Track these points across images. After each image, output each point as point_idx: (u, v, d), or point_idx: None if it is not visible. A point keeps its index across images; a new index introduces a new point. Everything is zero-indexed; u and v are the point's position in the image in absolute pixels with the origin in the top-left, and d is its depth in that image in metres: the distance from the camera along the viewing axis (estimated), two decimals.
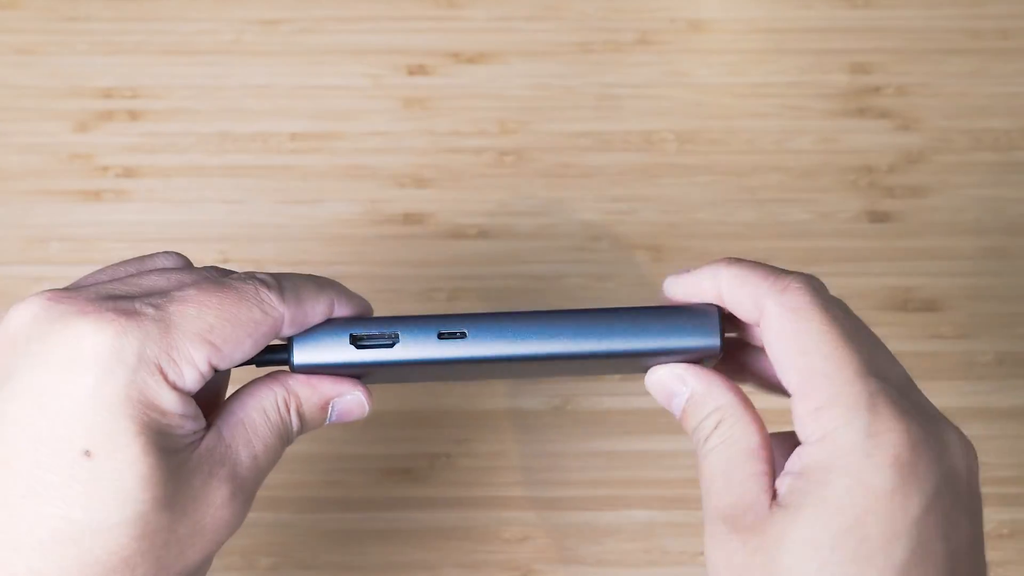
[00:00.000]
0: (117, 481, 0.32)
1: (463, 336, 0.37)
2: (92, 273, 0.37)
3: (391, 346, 0.37)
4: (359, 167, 0.61)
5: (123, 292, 0.35)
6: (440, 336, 0.37)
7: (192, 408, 0.34)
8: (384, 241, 0.59)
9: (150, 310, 0.34)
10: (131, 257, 0.38)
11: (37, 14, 0.64)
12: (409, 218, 0.60)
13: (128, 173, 0.61)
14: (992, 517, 0.55)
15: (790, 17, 0.64)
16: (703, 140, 0.62)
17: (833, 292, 0.60)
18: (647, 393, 0.39)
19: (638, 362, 0.38)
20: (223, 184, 0.60)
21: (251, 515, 0.53)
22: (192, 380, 0.34)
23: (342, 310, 0.38)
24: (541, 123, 0.62)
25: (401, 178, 0.61)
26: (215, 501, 0.35)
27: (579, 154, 0.61)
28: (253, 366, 0.37)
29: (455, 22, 0.64)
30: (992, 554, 0.55)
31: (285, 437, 0.38)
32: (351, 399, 0.38)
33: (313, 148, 0.61)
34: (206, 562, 0.36)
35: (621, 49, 0.64)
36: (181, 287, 0.35)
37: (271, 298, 0.35)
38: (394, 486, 0.55)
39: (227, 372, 0.39)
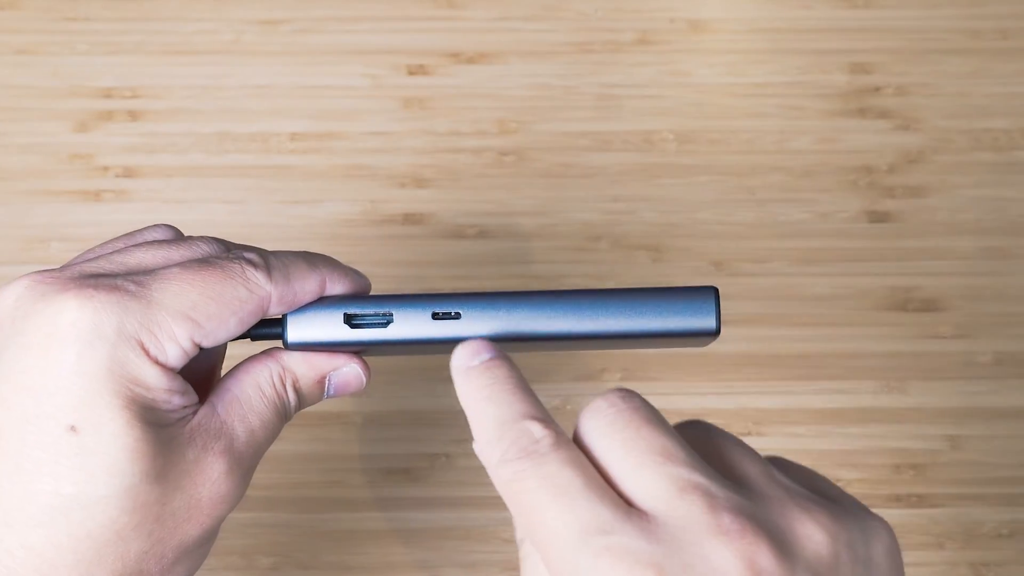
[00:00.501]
0: (104, 454, 0.33)
1: (457, 316, 0.37)
2: (84, 252, 0.37)
3: (385, 325, 0.37)
4: (359, 167, 0.61)
5: (107, 270, 0.35)
6: (434, 316, 0.37)
7: (179, 383, 0.34)
8: (384, 241, 0.59)
9: (131, 286, 0.34)
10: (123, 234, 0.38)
11: (37, 14, 0.64)
12: (409, 218, 0.60)
13: (128, 173, 0.61)
14: (992, 517, 0.55)
15: (790, 17, 0.64)
16: (703, 140, 0.62)
17: (833, 292, 0.60)
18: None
19: (634, 342, 0.38)
20: (223, 184, 0.60)
21: (251, 515, 0.54)
22: (175, 356, 0.34)
23: (336, 287, 0.37)
24: (541, 123, 0.62)
25: (401, 178, 0.61)
26: (211, 475, 0.35)
27: (579, 154, 0.61)
28: (249, 340, 0.37)
29: (455, 22, 0.64)
30: (992, 554, 0.55)
31: (282, 412, 0.38)
32: (347, 371, 0.38)
33: (313, 148, 0.61)
34: (206, 538, 0.36)
35: (621, 49, 0.64)
36: (167, 264, 0.35)
37: (257, 276, 0.35)
38: (394, 486, 0.55)
39: (221, 349, 0.39)
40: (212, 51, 0.63)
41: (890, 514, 0.55)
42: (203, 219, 0.60)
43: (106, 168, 0.61)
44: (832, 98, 0.62)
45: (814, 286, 0.59)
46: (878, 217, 0.60)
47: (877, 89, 0.63)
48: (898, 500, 0.55)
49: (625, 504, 0.30)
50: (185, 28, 0.64)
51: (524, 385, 0.34)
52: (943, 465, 0.56)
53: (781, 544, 0.29)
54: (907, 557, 0.54)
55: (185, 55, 0.63)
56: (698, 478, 0.30)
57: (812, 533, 0.30)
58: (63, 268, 0.35)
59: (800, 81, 0.63)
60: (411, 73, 0.63)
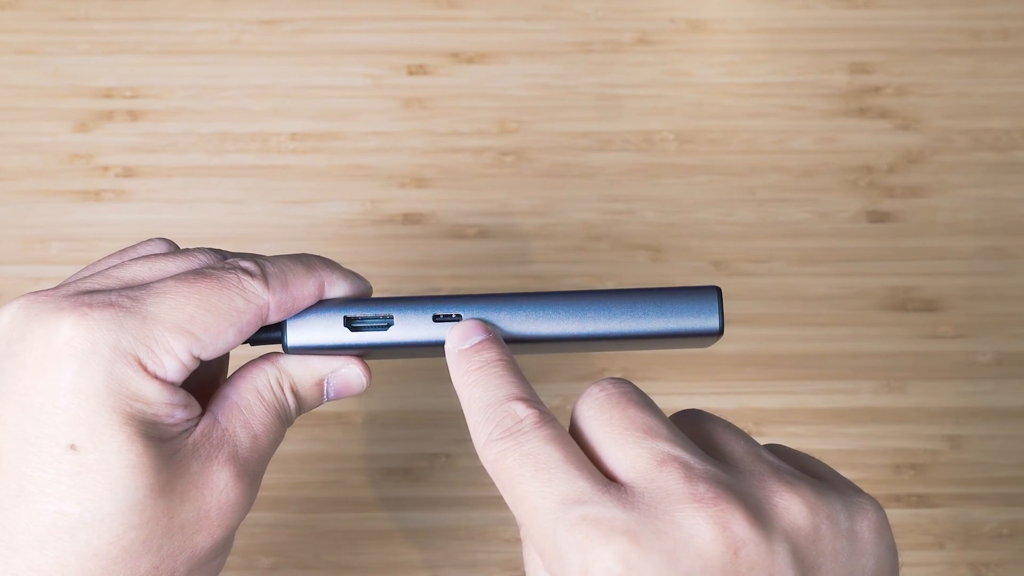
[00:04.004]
0: (106, 472, 0.32)
1: (458, 319, 0.37)
2: (81, 270, 0.37)
3: (385, 328, 0.37)
4: (359, 167, 0.61)
5: (102, 286, 0.35)
6: (435, 318, 0.37)
7: (181, 396, 0.34)
8: (384, 241, 0.59)
9: (127, 302, 0.34)
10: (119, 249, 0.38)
11: (37, 14, 0.64)
12: (409, 218, 0.60)
13: (128, 173, 0.61)
14: (992, 517, 0.55)
15: (790, 17, 0.64)
16: (703, 140, 0.62)
17: (833, 292, 0.60)
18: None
19: (637, 343, 0.38)
20: (223, 184, 0.60)
21: (251, 515, 0.54)
22: (174, 370, 0.34)
23: (335, 290, 0.37)
24: (541, 123, 0.62)
25: (401, 178, 0.61)
26: (218, 484, 0.35)
27: (579, 154, 0.61)
28: (249, 345, 0.37)
29: (455, 22, 0.64)
30: (992, 554, 0.55)
31: (283, 416, 0.37)
32: (346, 373, 0.38)
33: (313, 148, 0.61)
34: (219, 548, 0.36)
35: (621, 49, 0.64)
36: (162, 278, 0.35)
37: (254, 286, 0.35)
38: (394, 486, 0.55)
39: (224, 357, 0.38)
40: (212, 51, 0.63)
41: (890, 514, 0.54)
42: (203, 219, 0.60)
43: (106, 168, 0.61)
44: (832, 98, 0.62)
45: (814, 286, 0.59)
46: (878, 217, 0.60)
47: (877, 89, 0.63)
48: (898, 500, 0.55)
49: (604, 477, 0.31)
50: (185, 28, 0.64)
51: (512, 366, 0.35)
52: (943, 465, 0.56)
53: (757, 512, 0.30)
54: (907, 557, 0.55)
55: (185, 55, 0.63)
56: (677, 452, 0.31)
57: (790, 504, 0.30)
58: (58, 287, 0.35)
59: (800, 81, 0.63)
60: (411, 73, 0.63)
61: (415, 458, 0.56)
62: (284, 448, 0.54)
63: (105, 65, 0.63)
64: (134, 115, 0.62)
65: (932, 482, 0.56)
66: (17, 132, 0.61)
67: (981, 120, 0.62)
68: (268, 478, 0.52)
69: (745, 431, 0.35)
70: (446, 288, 0.58)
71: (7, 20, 0.63)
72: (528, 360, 0.53)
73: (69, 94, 0.62)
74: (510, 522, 0.54)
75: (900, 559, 0.33)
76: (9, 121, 0.62)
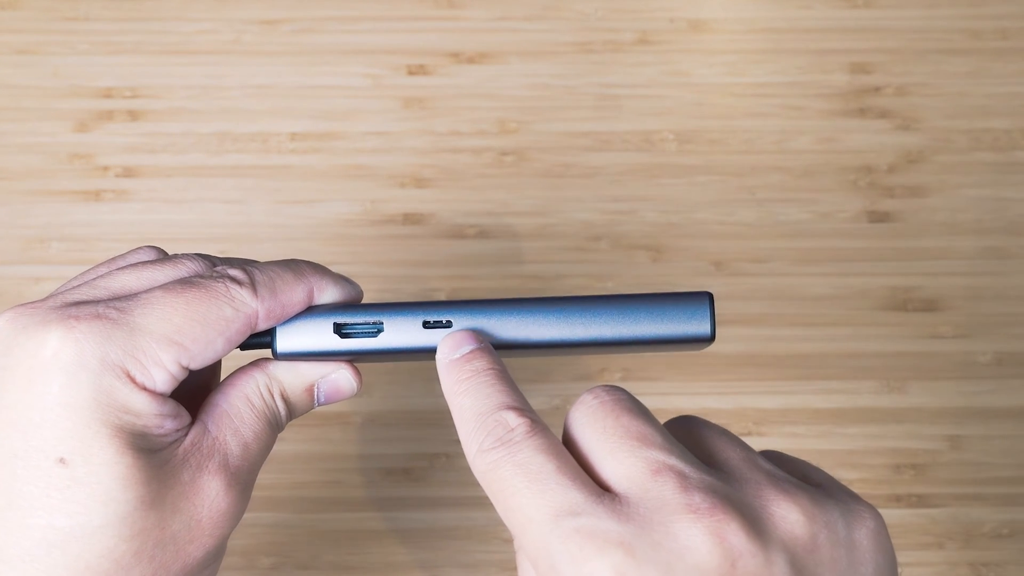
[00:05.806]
0: (95, 484, 0.32)
1: (448, 325, 0.37)
2: (69, 280, 0.37)
3: (375, 335, 0.37)
4: (359, 167, 0.61)
5: (89, 297, 0.34)
6: (425, 325, 0.37)
7: (170, 407, 0.34)
8: (384, 241, 0.59)
9: (114, 313, 0.33)
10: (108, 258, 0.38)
11: (37, 14, 0.64)
12: (409, 218, 0.60)
13: (128, 173, 0.61)
14: (992, 517, 0.55)
15: (790, 17, 0.64)
16: (703, 140, 0.62)
17: (833, 292, 0.60)
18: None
19: (629, 348, 0.38)
20: (223, 184, 0.60)
21: (251, 515, 0.54)
22: (163, 381, 0.34)
23: (325, 296, 0.37)
24: (541, 123, 0.62)
25: (401, 178, 0.61)
26: (209, 494, 0.35)
27: (579, 154, 0.61)
28: (239, 350, 0.37)
29: (455, 22, 0.64)
30: (992, 554, 0.55)
31: (274, 423, 0.37)
32: (337, 378, 0.38)
33: (313, 148, 0.61)
34: (211, 557, 0.36)
35: (621, 49, 0.64)
36: (150, 287, 0.35)
37: (243, 294, 0.35)
38: (394, 486, 0.55)
39: (215, 364, 0.38)
40: (212, 51, 0.63)
41: (890, 514, 0.55)
42: (203, 219, 0.60)
43: (106, 168, 0.61)
44: (832, 98, 0.62)
45: (814, 286, 0.59)
46: (878, 217, 0.60)
47: (877, 89, 0.63)
48: (898, 500, 0.55)
49: (598, 487, 0.31)
50: (185, 28, 0.64)
51: (503, 375, 0.35)
52: (943, 465, 0.56)
53: (754, 522, 0.29)
54: (907, 557, 0.55)
55: (185, 55, 0.63)
56: (673, 461, 0.31)
57: (787, 513, 0.30)
58: (46, 298, 0.35)
59: (800, 81, 0.63)
60: (411, 73, 0.63)
61: (415, 458, 0.56)
62: (284, 448, 0.54)
63: (105, 65, 0.63)
64: (134, 115, 0.62)
65: (932, 482, 0.56)
66: (17, 132, 0.61)
67: (981, 120, 0.62)
68: (268, 478, 0.52)
69: (741, 436, 0.34)
70: (445, 288, 0.58)
71: (7, 20, 0.63)
72: (526, 361, 0.53)
73: (69, 94, 0.62)
74: None
75: (900, 559, 0.33)
76: (9, 121, 0.62)
